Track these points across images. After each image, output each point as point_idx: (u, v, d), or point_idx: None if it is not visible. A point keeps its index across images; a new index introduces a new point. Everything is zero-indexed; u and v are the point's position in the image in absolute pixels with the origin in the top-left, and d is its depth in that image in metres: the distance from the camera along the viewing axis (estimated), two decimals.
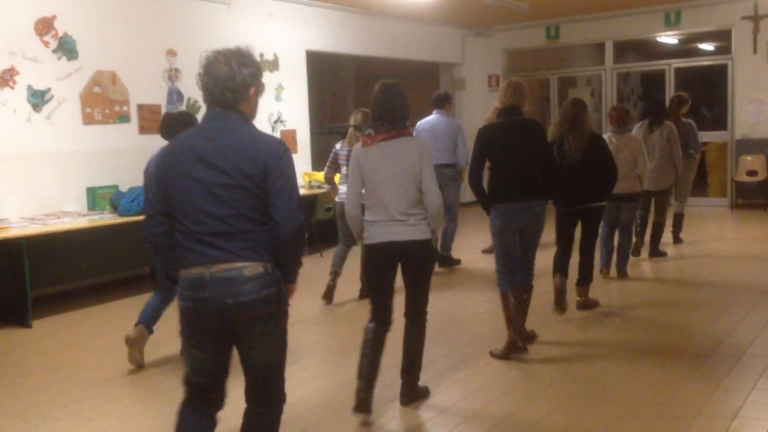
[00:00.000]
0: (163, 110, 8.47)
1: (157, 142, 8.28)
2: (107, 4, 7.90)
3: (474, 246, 9.13)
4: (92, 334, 6.23)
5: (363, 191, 4.13)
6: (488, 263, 8.31)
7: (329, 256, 8.98)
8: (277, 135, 9.89)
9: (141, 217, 7.23)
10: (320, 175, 9.48)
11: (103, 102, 7.87)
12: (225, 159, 2.77)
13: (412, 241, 4.05)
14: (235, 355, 2.98)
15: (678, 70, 12.62)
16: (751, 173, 11.67)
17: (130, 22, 8.12)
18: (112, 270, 7.97)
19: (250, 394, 3.04)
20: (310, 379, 4.82)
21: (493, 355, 5.09)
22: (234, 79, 2.84)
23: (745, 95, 11.81)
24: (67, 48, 7.51)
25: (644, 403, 4.22)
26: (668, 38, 13.14)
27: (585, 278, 6.20)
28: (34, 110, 7.26)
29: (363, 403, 4.05)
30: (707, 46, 13.84)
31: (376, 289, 4.24)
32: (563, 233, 6.06)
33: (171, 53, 8.56)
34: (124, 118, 8.09)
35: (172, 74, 8.59)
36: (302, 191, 9.20)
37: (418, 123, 8.15)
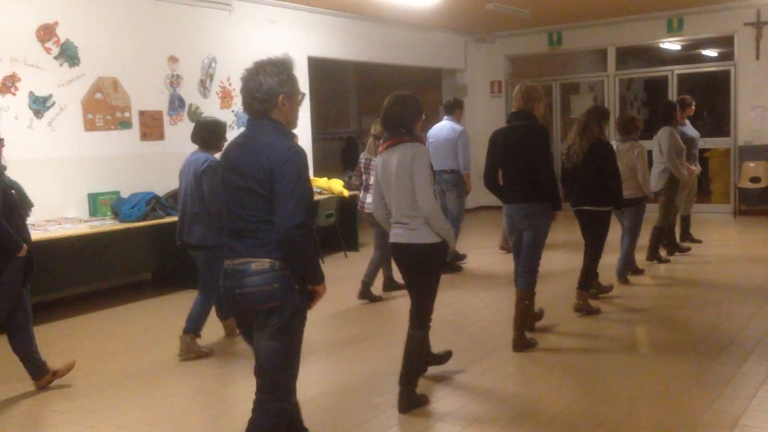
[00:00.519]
0: (165, 117, 8.50)
1: (158, 148, 8.40)
2: (109, 11, 7.92)
3: (480, 248, 9.13)
4: (93, 340, 6.22)
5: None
6: (492, 266, 8.32)
7: (329, 261, 8.99)
8: None
9: (142, 224, 7.29)
10: (322, 181, 9.52)
11: (104, 108, 7.89)
12: (245, 164, 3.04)
13: (409, 244, 4.16)
14: None
15: (681, 77, 12.60)
16: (754, 180, 11.64)
17: (132, 28, 8.14)
18: (113, 276, 7.97)
19: (257, 385, 3.20)
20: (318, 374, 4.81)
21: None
22: (260, 89, 3.05)
23: (748, 102, 11.78)
24: (68, 54, 7.53)
25: (645, 410, 4.21)
26: (671, 44, 13.13)
27: (582, 283, 6.22)
28: (35, 116, 7.27)
29: (400, 403, 4.25)
30: (710, 53, 13.82)
31: (406, 289, 4.45)
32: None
33: (173, 60, 8.57)
34: (125, 124, 8.10)
35: (174, 81, 8.60)
36: None
37: (429, 130, 8.29)
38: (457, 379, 4.80)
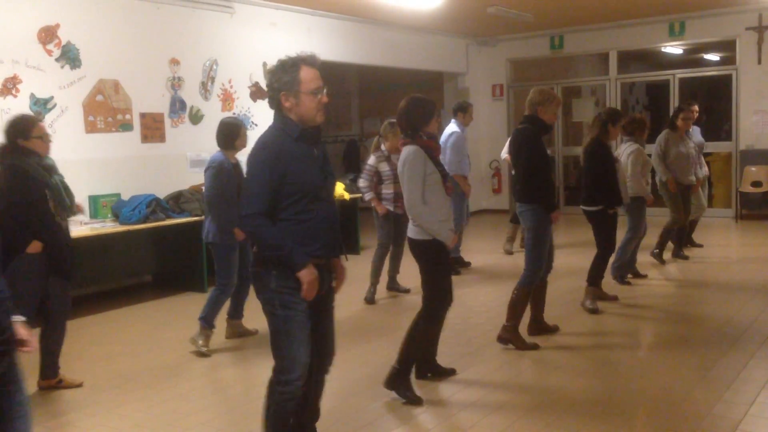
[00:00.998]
0: (166, 119, 8.51)
1: (159, 150, 8.40)
2: (110, 13, 7.93)
3: (481, 252, 9.14)
4: (93, 342, 6.22)
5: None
6: (497, 267, 8.32)
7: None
8: None
9: (142, 226, 7.30)
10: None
11: (105, 110, 7.89)
12: None
13: (410, 238, 4.50)
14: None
15: (682, 81, 12.60)
16: (756, 184, 11.62)
17: (134, 30, 8.15)
18: (114, 278, 7.98)
19: None
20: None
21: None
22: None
23: (750, 106, 11.78)
24: (70, 56, 7.54)
25: (646, 414, 4.20)
26: (673, 48, 13.12)
27: (589, 279, 6.48)
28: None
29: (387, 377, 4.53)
30: (712, 57, 13.83)
31: None
32: None
33: (174, 62, 8.58)
34: (126, 126, 8.11)
35: (175, 83, 8.61)
36: None
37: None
38: (466, 376, 4.85)
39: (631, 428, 4.07)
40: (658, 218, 9.05)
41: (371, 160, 7.08)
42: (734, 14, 11.61)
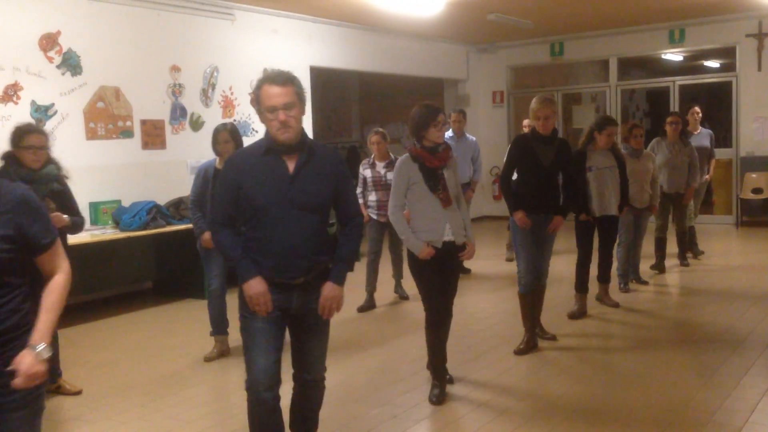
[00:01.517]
0: (167, 126, 8.52)
1: (159, 157, 8.41)
2: (111, 20, 7.94)
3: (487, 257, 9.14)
4: (93, 349, 6.21)
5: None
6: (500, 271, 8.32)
7: None
8: None
9: (143, 233, 7.30)
10: None
11: (106, 117, 7.90)
12: None
13: None
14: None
15: (683, 87, 12.61)
16: (756, 191, 11.62)
17: (134, 37, 8.17)
18: (114, 285, 7.96)
19: None
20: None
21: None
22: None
23: (750, 112, 11.79)
24: (71, 63, 7.55)
25: (646, 422, 4.18)
26: (673, 55, 13.14)
27: (600, 277, 6.65)
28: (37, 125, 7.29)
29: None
30: (712, 64, 13.83)
31: None
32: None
33: (175, 69, 8.60)
34: (127, 133, 8.12)
35: (176, 90, 8.62)
36: None
37: None
38: (466, 383, 4.83)
39: None
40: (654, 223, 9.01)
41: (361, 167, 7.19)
42: (734, 21, 11.64)
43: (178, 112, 8.65)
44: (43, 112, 7.33)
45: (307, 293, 3.25)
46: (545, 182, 5.40)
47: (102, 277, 7.66)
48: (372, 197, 7.02)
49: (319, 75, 11.24)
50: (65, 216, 4.64)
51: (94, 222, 7.65)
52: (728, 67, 12.51)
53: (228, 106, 9.26)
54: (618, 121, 12.68)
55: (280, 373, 3.29)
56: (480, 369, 5.17)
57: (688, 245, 8.78)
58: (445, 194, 4.37)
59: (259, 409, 3.30)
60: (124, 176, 8.01)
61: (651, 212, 7.33)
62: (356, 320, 6.79)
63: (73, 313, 7.38)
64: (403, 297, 7.39)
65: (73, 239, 6.85)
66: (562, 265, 7.85)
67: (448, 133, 8.30)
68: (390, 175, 6.81)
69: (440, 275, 4.45)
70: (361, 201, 7.06)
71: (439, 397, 4.53)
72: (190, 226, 7.56)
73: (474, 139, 8.64)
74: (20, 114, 7.13)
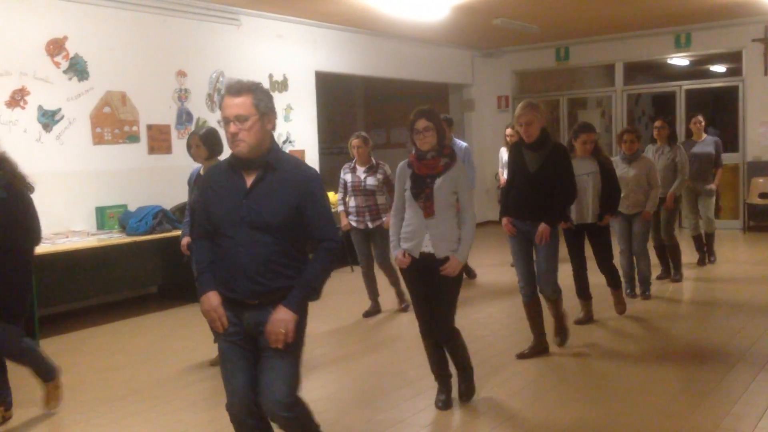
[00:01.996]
0: (173, 131, 8.54)
1: (165, 162, 8.42)
2: (118, 26, 7.97)
3: (492, 263, 9.12)
4: (99, 353, 6.22)
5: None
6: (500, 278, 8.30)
7: (334, 275, 8.96)
8: None
9: (148, 237, 7.30)
10: (330, 196, 9.51)
11: (112, 122, 7.92)
12: None
13: None
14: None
15: (689, 92, 12.59)
16: (763, 195, 11.58)
17: (141, 43, 8.20)
18: (120, 289, 7.97)
19: None
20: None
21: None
22: None
23: (757, 117, 11.76)
24: (77, 69, 7.58)
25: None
26: (679, 60, 13.12)
27: (609, 283, 6.55)
28: (44, 130, 7.31)
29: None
30: (718, 68, 13.81)
31: None
32: None
33: (181, 74, 8.62)
34: (133, 138, 8.14)
35: (182, 95, 8.64)
36: None
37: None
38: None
39: None
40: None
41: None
42: (740, 26, 11.62)
43: (184, 117, 8.67)
44: (49, 117, 7.35)
45: (260, 314, 3.02)
46: (530, 189, 5.23)
47: (108, 282, 7.66)
48: (351, 203, 6.87)
49: (324, 80, 11.25)
50: None
51: (101, 226, 7.67)
52: (734, 72, 12.48)
53: None
54: (622, 126, 12.70)
55: (255, 396, 3.09)
56: (485, 375, 5.15)
57: (706, 251, 8.69)
58: (426, 204, 4.21)
59: (236, 427, 3.21)
60: (131, 181, 8.03)
61: (643, 218, 6.99)
62: (362, 325, 6.78)
63: (78, 317, 7.41)
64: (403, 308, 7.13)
65: (79, 244, 6.89)
66: (564, 272, 7.80)
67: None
68: (370, 181, 6.77)
69: (426, 286, 4.32)
70: (341, 208, 6.96)
71: (445, 403, 4.50)
72: None
73: (464, 144, 8.19)
74: (27, 119, 7.17)
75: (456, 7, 9.52)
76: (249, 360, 3.10)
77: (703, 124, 8.86)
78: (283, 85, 9.95)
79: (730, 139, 12.79)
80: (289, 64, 10.07)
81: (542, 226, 5.14)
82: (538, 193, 5.20)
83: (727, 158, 12.23)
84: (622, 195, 6.73)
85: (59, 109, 7.43)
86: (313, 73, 10.48)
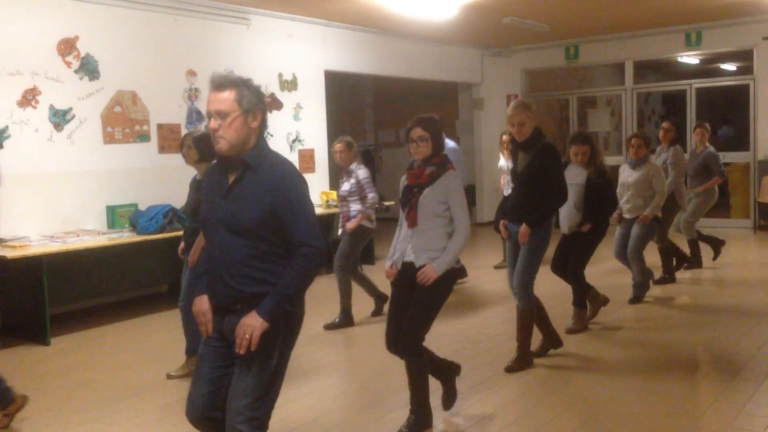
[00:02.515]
0: (183, 130, 8.56)
1: (175, 161, 8.37)
2: (129, 25, 8.01)
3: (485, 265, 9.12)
4: (110, 352, 6.25)
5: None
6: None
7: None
8: (295, 154, 9.95)
9: (159, 236, 7.33)
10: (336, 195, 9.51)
11: (123, 121, 7.96)
12: None
13: None
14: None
15: (699, 91, 12.54)
16: None
17: (151, 42, 8.23)
18: (131, 288, 8.01)
19: None
20: (321, 400, 4.80)
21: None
22: None
23: (767, 115, 11.69)
24: (88, 68, 7.62)
25: None
26: (689, 58, 13.07)
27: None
28: (55, 129, 7.35)
29: None
30: (729, 67, 13.76)
31: None
32: None
33: (191, 73, 8.65)
34: (144, 137, 8.17)
35: (192, 94, 8.67)
36: (319, 210, 9.21)
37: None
38: (462, 397, 4.78)
39: None
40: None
41: None
42: (751, 24, 11.55)
43: (194, 117, 8.70)
44: (61, 116, 7.39)
45: (239, 320, 2.86)
46: (519, 189, 5.17)
47: (118, 280, 7.71)
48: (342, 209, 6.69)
49: (333, 79, 11.26)
50: None
51: (112, 225, 7.71)
52: (745, 70, 12.43)
53: None
54: (632, 126, 12.67)
55: (214, 411, 2.96)
56: (489, 377, 5.15)
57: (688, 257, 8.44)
58: (410, 214, 4.08)
59: None
60: (141, 180, 8.06)
61: (639, 222, 6.91)
62: (370, 323, 6.79)
63: (89, 315, 7.45)
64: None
65: (90, 243, 6.92)
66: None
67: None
68: (344, 186, 6.53)
69: (408, 297, 4.11)
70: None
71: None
72: None
73: (452, 144, 7.89)
74: (39, 118, 7.21)
75: (465, 5, 9.51)
76: (221, 370, 2.96)
77: (702, 136, 8.55)
78: (292, 84, 9.97)
79: (740, 137, 12.75)
80: (299, 64, 10.08)
81: (522, 227, 5.02)
82: (525, 194, 5.10)
83: (738, 157, 12.21)
84: (623, 199, 6.72)
85: (70, 109, 7.47)
86: (323, 72, 10.49)
